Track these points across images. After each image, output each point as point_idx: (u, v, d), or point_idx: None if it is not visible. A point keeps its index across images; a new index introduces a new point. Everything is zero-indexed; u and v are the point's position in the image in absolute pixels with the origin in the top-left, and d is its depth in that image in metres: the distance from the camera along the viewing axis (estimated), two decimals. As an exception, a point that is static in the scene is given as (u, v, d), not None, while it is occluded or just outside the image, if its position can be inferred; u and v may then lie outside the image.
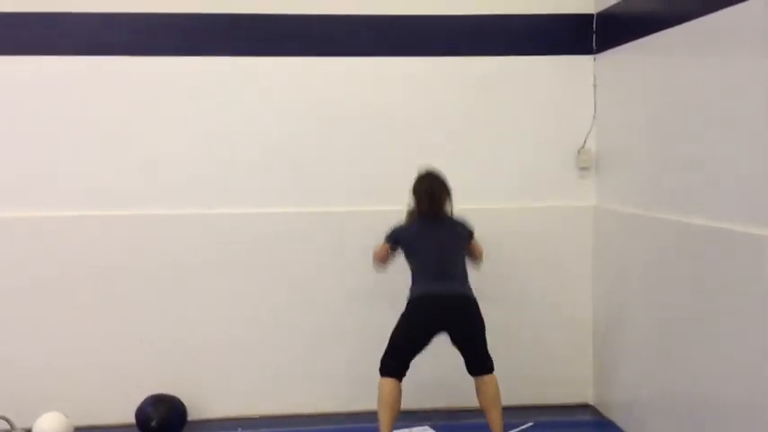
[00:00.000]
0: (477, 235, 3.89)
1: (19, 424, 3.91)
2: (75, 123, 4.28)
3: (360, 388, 4.28)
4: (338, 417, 4.30)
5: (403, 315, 3.73)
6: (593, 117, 4.45)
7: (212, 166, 4.33)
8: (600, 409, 4.40)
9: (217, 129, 4.34)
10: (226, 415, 4.33)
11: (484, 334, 3.74)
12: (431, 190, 3.76)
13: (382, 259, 3.85)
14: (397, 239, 3.82)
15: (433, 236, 3.76)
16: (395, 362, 3.70)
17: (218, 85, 4.34)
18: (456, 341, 3.74)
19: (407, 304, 3.74)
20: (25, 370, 4.21)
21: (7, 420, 3.89)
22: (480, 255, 3.89)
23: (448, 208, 3.81)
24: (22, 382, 4.18)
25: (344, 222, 4.39)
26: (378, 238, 4.29)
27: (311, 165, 4.37)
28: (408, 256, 3.81)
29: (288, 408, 4.37)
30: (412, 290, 3.77)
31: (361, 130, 4.38)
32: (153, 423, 4.07)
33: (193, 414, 4.25)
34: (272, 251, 4.36)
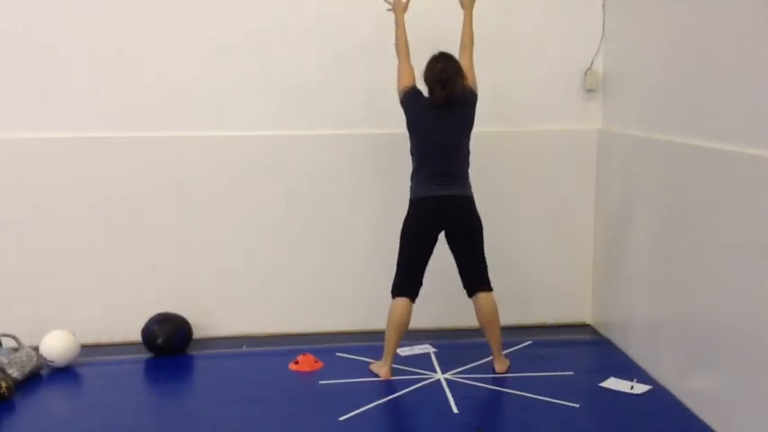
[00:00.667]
0: (480, 159, 3.85)
1: (26, 342, 3.97)
2: (72, 45, 4.18)
3: (364, 307, 4.36)
4: (342, 336, 4.37)
5: (404, 225, 3.71)
6: (602, 38, 4.37)
7: (214, 88, 4.27)
8: (598, 328, 4.49)
9: (217, 50, 4.25)
10: (230, 333, 4.40)
11: (482, 240, 3.73)
12: (444, 77, 3.58)
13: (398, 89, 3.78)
14: (405, 106, 3.71)
15: (440, 127, 3.64)
16: (406, 279, 3.71)
17: (220, 5, 4.24)
18: (455, 244, 3.72)
19: (408, 207, 3.72)
20: (32, 289, 4.25)
21: (14, 338, 3.94)
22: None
23: (461, 91, 3.62)
24: (28, 302, 4.23)
25: (346, 145, 4.35)
26: (379, 162, 4.29)
27: (313, 87, 4.30)
28: (411, 137, 3.73)
29: (292, 327, 4.44)
30: (412, 188, 3.72)
31: (362, 51, 4.27)
32: (159, 341, 4.13)
33: (198, 332, 4.32)
34: (275, 174, 4.35)
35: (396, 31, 3.83)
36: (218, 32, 4.26)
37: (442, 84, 3.60)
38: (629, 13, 4.12)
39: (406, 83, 3.75)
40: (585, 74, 4.40)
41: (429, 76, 3.65)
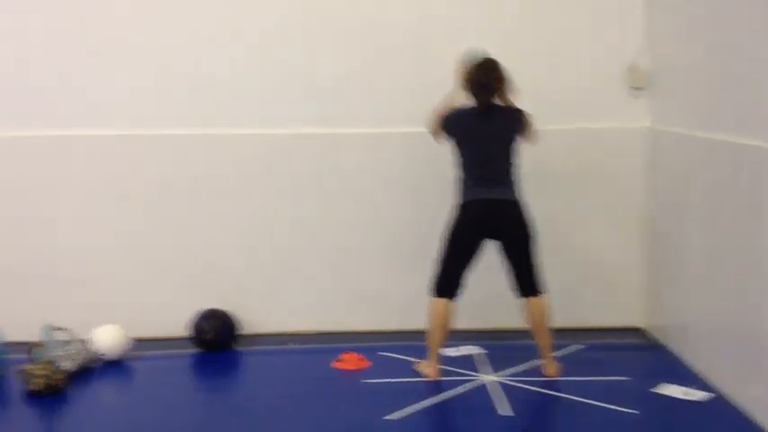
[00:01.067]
0: (527, 158, 3.79)
1: (78, 335, 4.02)
2: (83, 40, 4.23)
3: (406, 306, 4.31)
4: (384, 335, 4.33)
5: (449, 228, 3.68)
6: (646, 32, 4.23)
7: (246, 86, 4.29)
8: (651, 332, 4.35)
9: (242, 47, 4.27)
10: (277, 330, 4.40)
11: (532, 244, 3.66)
12: (486, 81, 3.58)
13: (433, 134, 3.75)
14: (447, 128, 3.68)
15: (483, 133, 3.60)
16: (446, 280, 3.68)
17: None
18: (504, 250, 3.67)
19: (455, 212, 3.68)
20: (83, 283, 4.31)
21: (67, 331, 4.00)
22: (532, 135, 3.70)
23: (503, 98, 3.64)
24: (80, 295, 4.29)
25: (383, 143, 4.32)
26: (412, 160, 4.24)
27: (343, 84, 4.28)
28: (457, 150, 3.69)
29: (335, 325, 4.42)
30: (459, 193, 3.69)
31: (398, 46, 4.24)
32: (207, 336, 4.16)
33: (245, 329, 4.34)
34: (318, 171, 4.34)
35: (441, 108, 3.75)
36: (239, 28, 4.25)
37: (484, 88, 3.58)
38: (674, 6, 3.97)
39: (439, 115, 3.71)
40: (631, 70, 4.27)
41: (471, 80, 3.61)
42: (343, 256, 4.41)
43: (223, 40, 4.26)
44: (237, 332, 4.29)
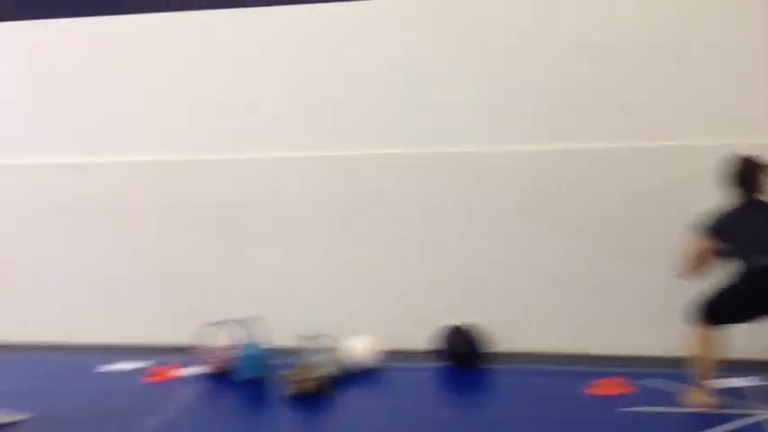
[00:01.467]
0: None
1: (335, 344, 4.19)
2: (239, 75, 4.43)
3: (667, 332, 3.90)
4: (644, 361, 3.99)
5: (736, 283, 3.39)
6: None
7: (465, 104, 4.25)
8: None
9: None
10: (525, 349, 4.27)
11: None
12: (752, 176, 3.50)
13: (701, 262, 3.46)
14: (718, 231, 3.43)
15: (754, 220, 3.46)
16: (714, 318, 3.42)
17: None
18: None
19: (738, 276, 3.38)
20: (340, 296, 4.50)
21: (327, 339, 4.19)
22: None
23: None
24: (337, 308, 4.49)
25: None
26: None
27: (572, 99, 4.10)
28: (728, 241, 3.42)
29: (589, 347, 4.18)
30: (739, 265, 3.39)
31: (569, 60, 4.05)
32: (459, 351, 4.18)
33: (494, 346, 4.25)
34: (550, 191, 4.22)
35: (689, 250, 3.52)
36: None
37: (750, 182, 3.49)
38: None
39: (703, 227, 3.48)
40: None
41: (736, 174, 3.52)
42: (596, 276, 4.20)
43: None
44: (487, 349, 4.22)
